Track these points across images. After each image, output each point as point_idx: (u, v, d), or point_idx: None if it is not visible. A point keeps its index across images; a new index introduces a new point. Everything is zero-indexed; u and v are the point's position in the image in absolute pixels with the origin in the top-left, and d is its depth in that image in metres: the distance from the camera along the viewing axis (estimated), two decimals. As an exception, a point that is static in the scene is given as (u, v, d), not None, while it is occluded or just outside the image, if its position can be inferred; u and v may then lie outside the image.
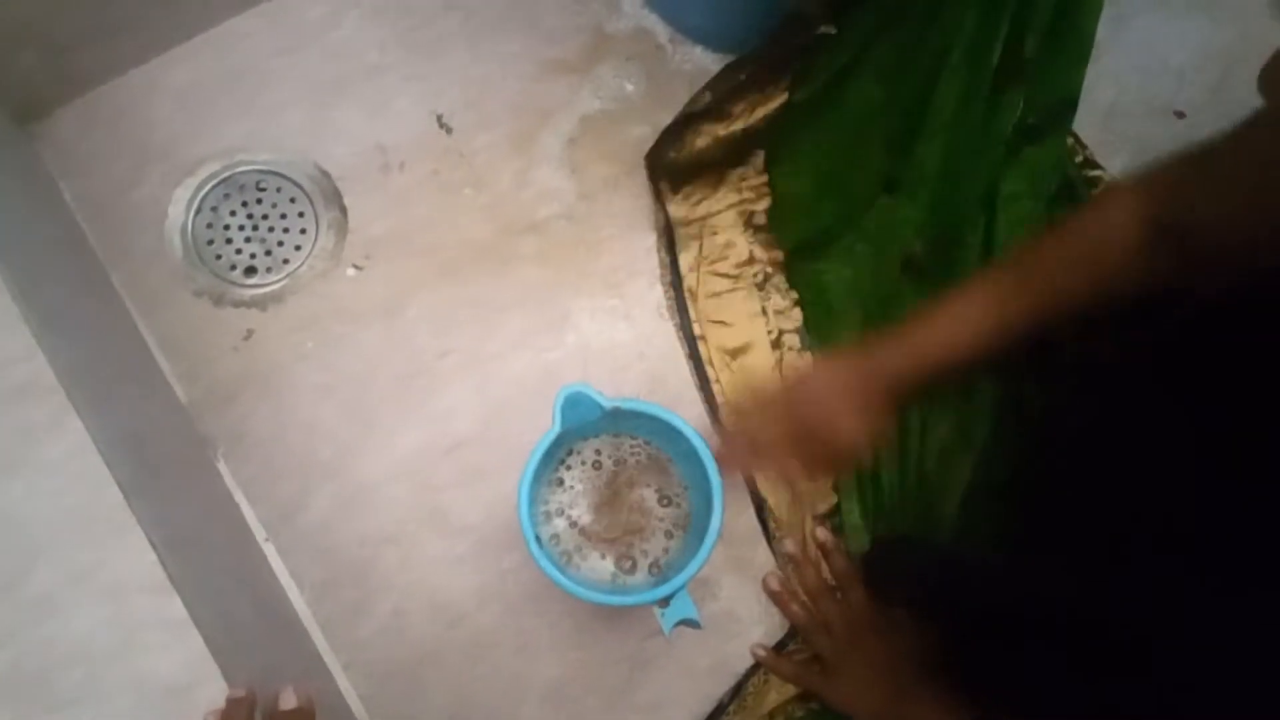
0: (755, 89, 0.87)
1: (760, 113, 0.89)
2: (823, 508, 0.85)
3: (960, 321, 0.61)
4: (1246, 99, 0.92)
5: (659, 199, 0.90)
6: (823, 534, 0.83)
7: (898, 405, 0.63)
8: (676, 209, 0.90)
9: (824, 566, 0.83)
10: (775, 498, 0.85)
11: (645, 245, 0.91)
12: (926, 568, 0.71)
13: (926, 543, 0.77)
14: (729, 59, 0.94)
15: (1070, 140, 0.87)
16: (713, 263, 0.90)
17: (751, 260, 0.90)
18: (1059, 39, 0.66)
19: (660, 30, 0.96)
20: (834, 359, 0.66)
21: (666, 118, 0.92)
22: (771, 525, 0.85)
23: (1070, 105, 0.71)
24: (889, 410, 0.63)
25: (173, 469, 0.73)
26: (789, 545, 0.83)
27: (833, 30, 0.80)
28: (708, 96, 0.89)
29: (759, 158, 0.91)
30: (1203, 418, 0.55)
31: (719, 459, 0.69)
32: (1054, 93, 0.70)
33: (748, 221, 0.91)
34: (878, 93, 0.79)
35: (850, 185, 0.84)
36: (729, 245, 0.90)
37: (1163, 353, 0.59)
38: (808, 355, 0.88)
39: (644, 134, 0.93)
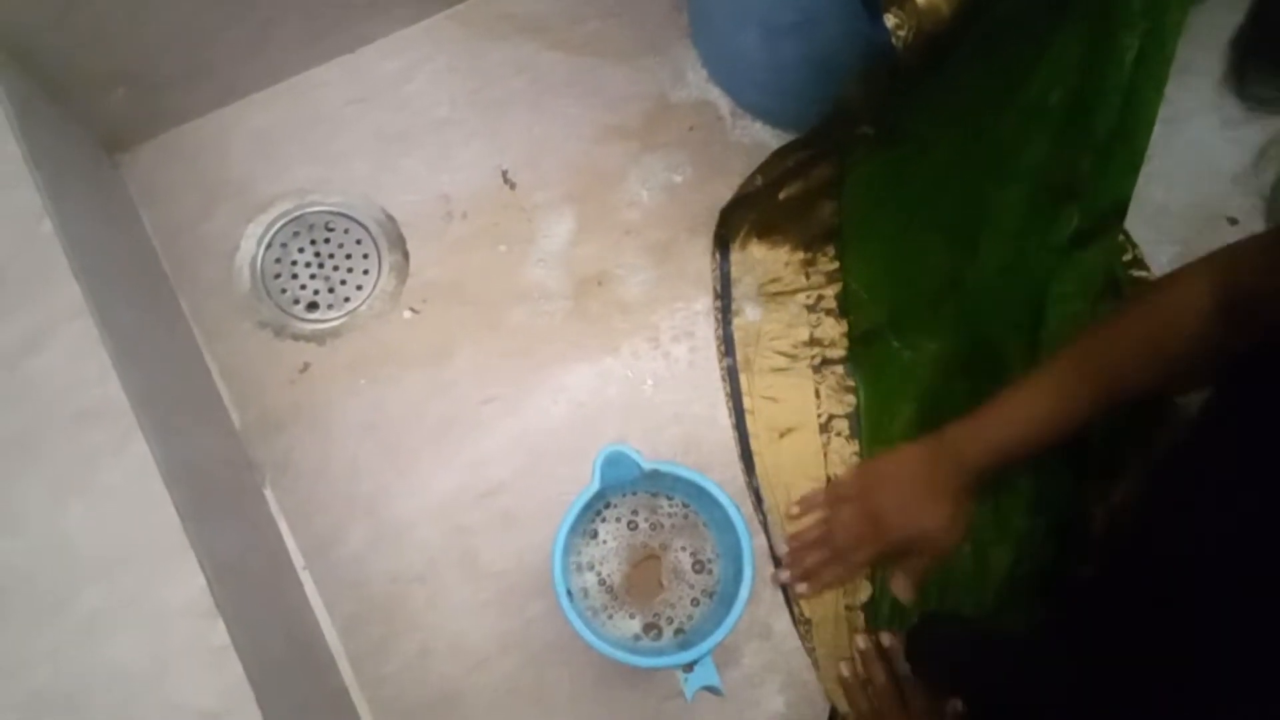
0: (801, 174, 0.89)
1: (815, 183, 0.92)
2: (860, 598, 0.85)
3: (1032, 409, 0.61)
4: (1298, 210, 0.94)
5: (721, 265, 0.92)
6: (887, 639, 0.82)
7: (974, 493, 0.63)
8: (743, 280, 0.93)
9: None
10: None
11: (693, 310, 0.93)
12: (965, 647, 0.71)
13: (965, 620, 0.77)
14: (785, 134, 0.97)
15: (1121, 238, 0.89)
16: (772, 339, 0.92)
17: (811, 342, 0.92)
18: (1112, 151, 0.67)
19: (722, 103, 0.99)
20: (907, 448, 0.65)
21: (721, 188, 0.95)
22: (795, 599, 0.85)
23: (1121, 211, 0.73)
24: (968, 499, 0.62)
25: (223, 494, 0.76)
26: (860, 641, 0.82)
27: (870, 131, 0.82)
28: (758, 180, 0.92)
29: (830, 246, 0.93)
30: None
31: (790, 566, 0.68)
32: (1106, 199, 0.71)
33: (814, 305, 0.92)
34: (939, 191, 0.80)
35: (916, 278, 0.86)
36: (791, 325, 0.92)
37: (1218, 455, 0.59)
38: (855, 443, 0.89)
39: (702, 203, 0.96)
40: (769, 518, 0.88)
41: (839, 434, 0.89)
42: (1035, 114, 0.69)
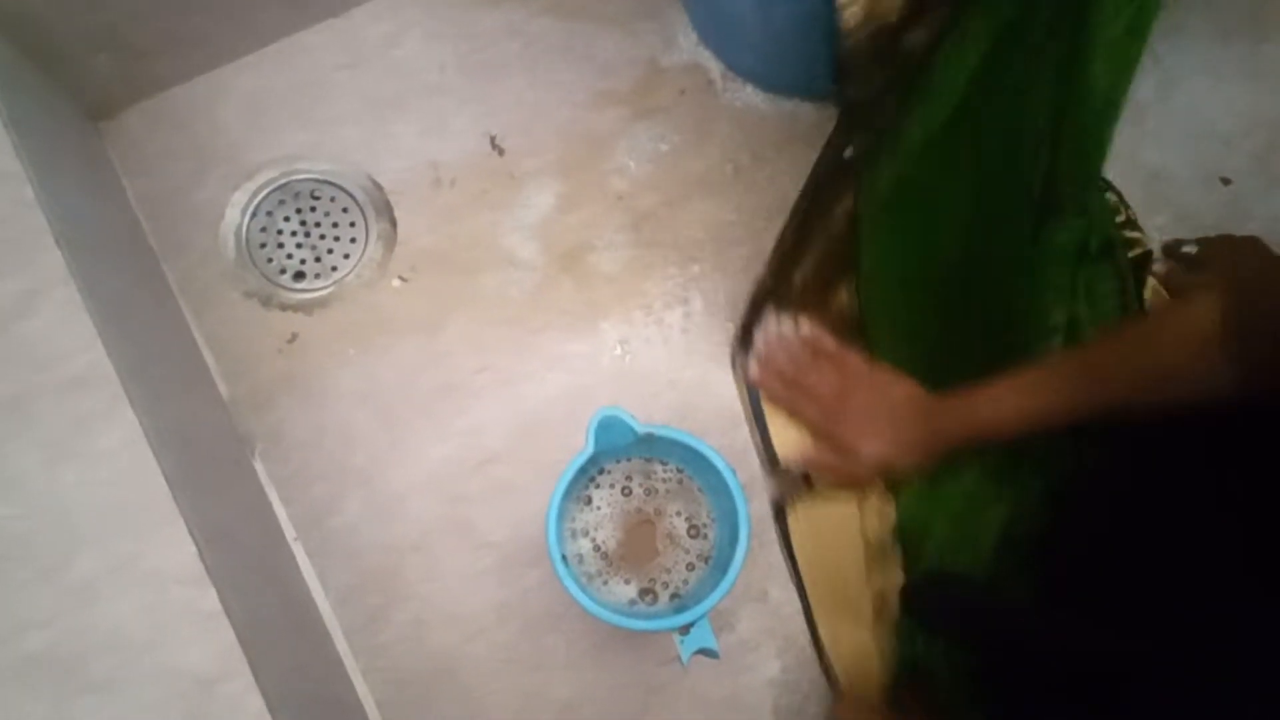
0: (803, 252, 0.85)
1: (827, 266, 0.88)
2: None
3: (1024, 402, 0.61)
4: (1294, 167, 0.94)
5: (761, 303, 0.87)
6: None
7: (934, 458, 0.63)
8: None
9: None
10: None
11: (687, 276, 0.93)
12: (965, 602, 0.72)
13: (966, 579, 0.77)
14: (777, 98, 0.96)
15: (1114, 199, 0.88)
16: None
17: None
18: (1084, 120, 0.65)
19: (713, 66, 0.98)
20: (910, 387, 0.65)
21: (713, 152, 0.95)
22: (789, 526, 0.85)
23: (1092, 180, 0.71)
24: (921, 458, 0.63)
25: (212, 465, 0.75)
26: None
27: (849, 155, 0.79)
28: (769, 282, 0.86)
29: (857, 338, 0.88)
30: (1249, 492, 0.55)
31: (756, 378, 0.68)
32: (1077, 168, 0.70)
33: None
34: (945, 246, 0.79)
35: (939, 352, 0.82)
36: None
37: (1212, 427, 0.59)
38: None
39: (693, 169, 0.95)
40: (781, 469, 0.86)
41: None
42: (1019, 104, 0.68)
